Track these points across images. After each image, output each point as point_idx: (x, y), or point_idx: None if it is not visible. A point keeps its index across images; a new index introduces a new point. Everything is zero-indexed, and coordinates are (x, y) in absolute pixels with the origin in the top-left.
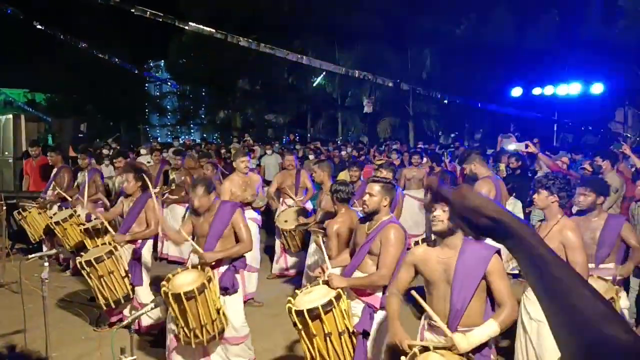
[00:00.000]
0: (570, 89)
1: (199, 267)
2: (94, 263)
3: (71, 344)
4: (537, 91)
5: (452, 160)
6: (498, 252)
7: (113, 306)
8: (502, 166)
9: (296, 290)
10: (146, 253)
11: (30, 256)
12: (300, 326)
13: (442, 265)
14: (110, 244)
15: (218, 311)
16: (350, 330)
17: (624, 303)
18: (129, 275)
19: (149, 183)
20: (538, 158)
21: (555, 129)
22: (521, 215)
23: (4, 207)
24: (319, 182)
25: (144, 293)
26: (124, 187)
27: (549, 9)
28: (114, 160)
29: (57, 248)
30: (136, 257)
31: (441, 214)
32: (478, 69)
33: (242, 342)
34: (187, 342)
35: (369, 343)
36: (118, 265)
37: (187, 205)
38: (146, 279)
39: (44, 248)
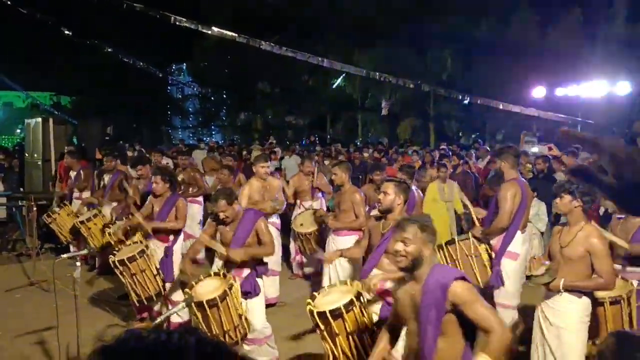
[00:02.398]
0: (595, 88)
1: (221, 274)
2: (127, 262)
3: (101, 340)
4: (560, 91)
5: (475, 161)
6: (462, 278)
7: (145, 303)
8: (529, 166)
9: (314, 293)
10: (178, 250)
11: (63, 256)
12: (322, 327)
13: (411, 300)
14: (141, 242)
15: (240, 317)
16: (371, 328)
17: None
18: (160, 272)
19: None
20: (562, 160)
21: (579, 129)
22: (545, 218)
23: (35, 208)
24: (339, 183)
25: (175, 290)
26: (153, 189)
27: (572, 7)
28: (136, 169)
29: (88, 248)
30: (168, 254)
31: (402, 247)
32: (499, 69)
33: (264, 342)
34: None
35: None
36: (150, 263)
37: (201, 202)
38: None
39: (72, 249)
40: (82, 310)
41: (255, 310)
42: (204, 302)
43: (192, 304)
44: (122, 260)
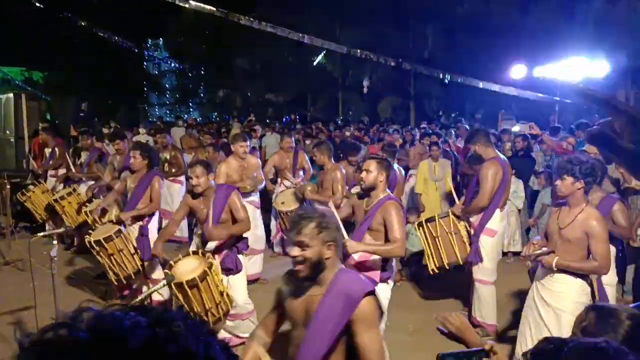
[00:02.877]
0: (573, 68)
1: (200, 252)
2: (103, 242)
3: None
4: (538, 71)
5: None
6: (372, 292)
7: (124, 282)
8: (508, 145)
9: None
10: (153, 228)
11: (39, 234)
12: None
13: (305, 304)
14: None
15: (222, 294)
16: None
17: (608, 279)
18: (138, 251)
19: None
20: (543, 140)
21: (557, 109)
22: (522, 195)
23: (8, 186)
24: (320, 164)
25: (154, 268)
26: (131, 164)
27: None
28: (113, 143)
29: (64, 226)
30: (144, 233)
31: (298, 252)
32: (480, 48)
33: (247, 317)
34: None
35: None
36: (127, 243)
37: (182, 182)
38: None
39: (47, 227)
40: (60, 289)
41: (237, 286)
42: (184, 283)
43: (172, 285)
44: (99, 241)
